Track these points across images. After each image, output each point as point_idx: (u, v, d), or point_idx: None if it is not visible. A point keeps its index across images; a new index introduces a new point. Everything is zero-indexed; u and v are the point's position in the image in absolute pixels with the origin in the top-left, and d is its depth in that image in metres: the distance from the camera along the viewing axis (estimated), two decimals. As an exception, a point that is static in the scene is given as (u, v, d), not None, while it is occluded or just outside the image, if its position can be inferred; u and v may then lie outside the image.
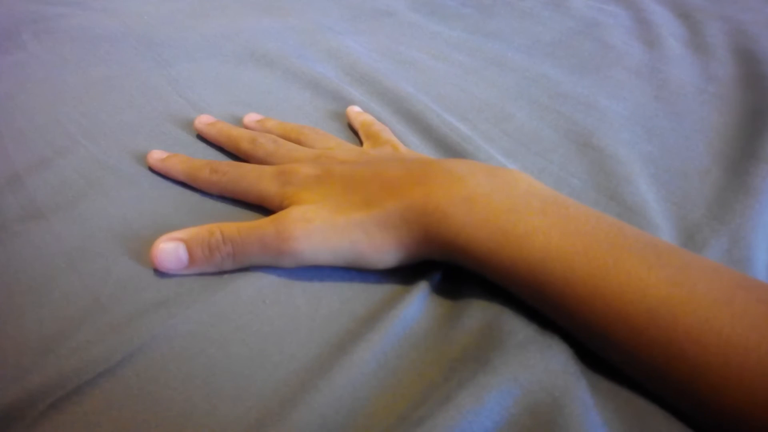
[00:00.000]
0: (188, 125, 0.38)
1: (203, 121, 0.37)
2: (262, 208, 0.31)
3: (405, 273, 0.28)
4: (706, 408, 0.21)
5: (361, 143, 0.37)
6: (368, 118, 0.39)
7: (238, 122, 0.38)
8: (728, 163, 0.37)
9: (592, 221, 0.25)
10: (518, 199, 0.26)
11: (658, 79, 0.46)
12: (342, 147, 0.35)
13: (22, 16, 0.51)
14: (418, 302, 0.27)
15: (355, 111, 0.40)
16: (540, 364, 0.23)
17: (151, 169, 0.33)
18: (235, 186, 0.31)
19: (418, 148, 0.37)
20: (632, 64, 0.48)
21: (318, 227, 0.27)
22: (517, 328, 0.25)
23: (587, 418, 0.21)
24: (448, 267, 0.28)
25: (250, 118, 0.38)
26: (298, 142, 0.35)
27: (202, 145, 0.36)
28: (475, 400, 0.22)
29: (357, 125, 0.38)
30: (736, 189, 0.34)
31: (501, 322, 0.25)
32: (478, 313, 0.26)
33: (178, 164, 0.33)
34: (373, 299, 0.27)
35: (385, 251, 0.27)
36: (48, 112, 0.38)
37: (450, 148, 0.37)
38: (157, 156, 0.33)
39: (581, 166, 0.37)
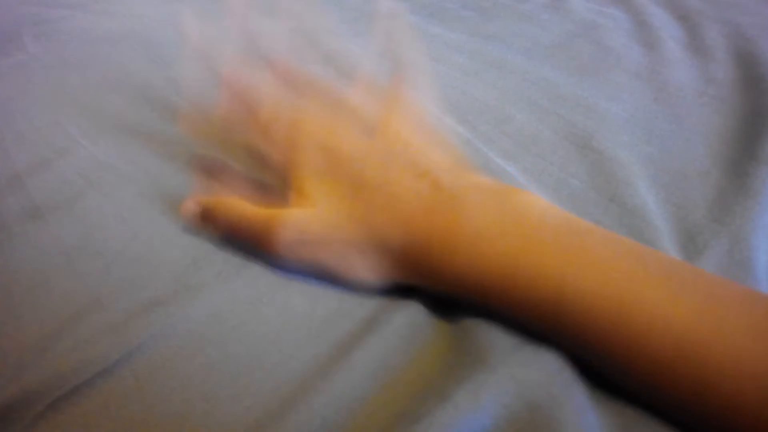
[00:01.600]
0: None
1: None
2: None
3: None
4: None
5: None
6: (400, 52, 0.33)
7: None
8: (728, 165, 0.37)
9: (610, 250, 0.23)
10: (529, 239, 0.24)
11: (657, 81, 0.46)
12: (355, 124, 0.30)
13: (23, 19, 0.51)
14: (416, 302, 0.26)
15: (387, 7, 0.33)
16: (537, 362, 0.23)
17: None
18: (246, 130, 0.30)
19: (417, 150, 0.37)
20: (632, 66, 0.48)
21: (308, 242, 0.26)
22: (515, 330, 0.25)
23: (586, 416, 0.21)
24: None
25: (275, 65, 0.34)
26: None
27: (199, 145, 0.36)
28: (473, 398, 0.22)
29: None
30: (736, 191, 0.34)
31: (500, 326, 0.25)
32: (477, 312, 0.26)
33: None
34: (371, 298, 0.27)
35: (377, 273, 0.26)
36: (48, 114, 0.38)
37: (450, 150, 0.37)
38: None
39: (581, 168, 0.37)
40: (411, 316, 0.26)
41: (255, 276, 0.27)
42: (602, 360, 0.22)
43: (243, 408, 0.22)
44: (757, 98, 0.43)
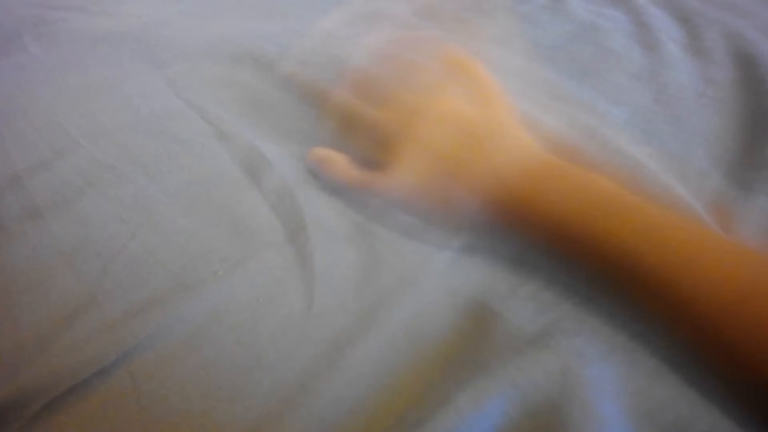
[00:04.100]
0: (185, 124, 0.38)
1: None
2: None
3: (401, 270, 0.28)
4: None
5: None
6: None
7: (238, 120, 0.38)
8: (728, 167, 0.37)
9: (679, 222, 0.26)
10: (593, 205, 0.26)
11: (657, 82, 0.46)
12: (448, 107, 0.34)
13: (24, 20, 0.51)
14: (415, 301, 0.26)
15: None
16: (537, 367, 0.23)
17: None
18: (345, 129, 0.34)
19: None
20: (631, 67, 0.48)
21: (393, 202, 0.30)
22: (515, 331, 0.25)
23: (585, 418, 0.21)
24: (447, 264, 0.28)
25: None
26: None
27: (198, 143, 0.36)
28: (475, 404, 0.22)
29: None
30: (735, 192, 0.34)
31: (499, 325, 0.25)
32: (476, 313, 0.26)
33: None
34: (369, 297, 0.27)
35: (451, 227, 0.30)
36: (48, 114, 0.38)
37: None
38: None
39: (580, 169, 0.36)
40: (410, 315, 0.26)
41: (252, 275, 0.27)
42: (651, 312, 0.24)
43: (241, 408, 0.22)
44: (757, 100, 0.43)
